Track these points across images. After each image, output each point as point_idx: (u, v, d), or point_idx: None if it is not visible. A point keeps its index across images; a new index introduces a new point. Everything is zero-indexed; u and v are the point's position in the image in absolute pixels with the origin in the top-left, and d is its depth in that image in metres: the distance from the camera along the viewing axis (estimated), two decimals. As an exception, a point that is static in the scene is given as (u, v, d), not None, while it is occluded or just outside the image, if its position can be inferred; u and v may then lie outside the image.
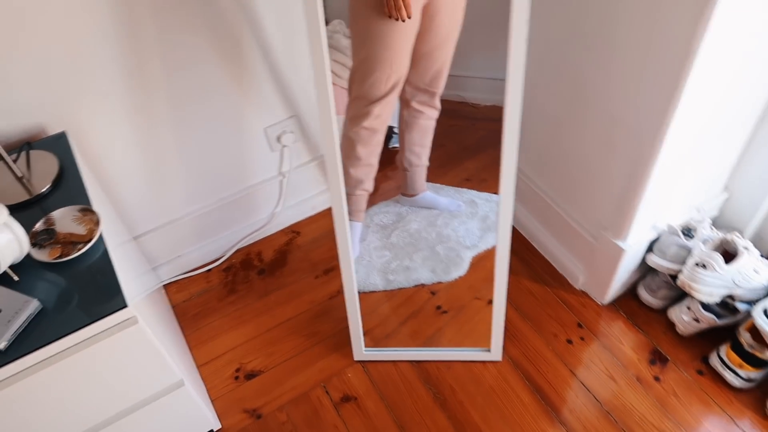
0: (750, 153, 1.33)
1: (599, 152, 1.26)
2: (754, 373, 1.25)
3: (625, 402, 1.28)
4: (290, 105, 1.47)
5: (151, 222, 1.47)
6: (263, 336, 1.42)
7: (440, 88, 1.39)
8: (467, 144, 1.70)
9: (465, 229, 1.65)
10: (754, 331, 1.24)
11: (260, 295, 1.51)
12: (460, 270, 1.55)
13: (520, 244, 1.60)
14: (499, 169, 1.06)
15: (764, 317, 1.20)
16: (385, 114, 1.30)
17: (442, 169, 1.76)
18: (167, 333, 1.17)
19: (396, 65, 1.23)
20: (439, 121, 1.56)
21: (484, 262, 1.54)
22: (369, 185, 1.44)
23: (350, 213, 1.53)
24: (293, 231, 1.67)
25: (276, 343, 1.41)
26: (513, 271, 1.53)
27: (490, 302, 1.26)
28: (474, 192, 1.67)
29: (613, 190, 1.26)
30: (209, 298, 1.51)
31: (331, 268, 1.56)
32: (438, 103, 1.46)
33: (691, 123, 1.09)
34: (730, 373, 1.27)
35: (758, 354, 1.23)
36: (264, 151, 1.51)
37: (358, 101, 1.29)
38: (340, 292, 1.50)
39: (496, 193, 1.09)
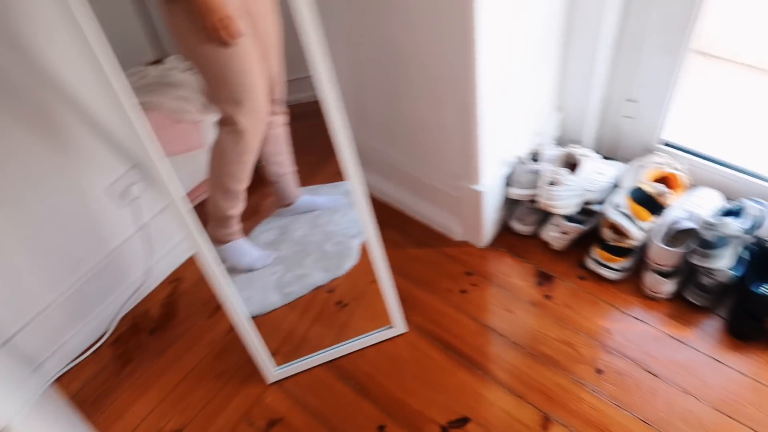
0: (569, 71, 1.43)
1: (432, 109, 1.31)
2: (624, 263, 1.36)
3: (528, 328, 1.35)
4: (127, 155, 1.41)
5: (17, 321, 1.36)
6: (172, 394, 1.37)
7: (280, 93, 1.39)
8: (330, 140, 1.72)
9: (347, 220, 1.67)
10: (610, 224, 1.35)
11: (157, 354, 1.45)
12: (351, 260, 1.57)
13: (394, 216, 1.64)
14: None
15: (615, 211, 1.31)
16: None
17: (313, 170, 1.76)
18: None
19: (255, 82, 1.23)
20: (299, 125, 1.57)
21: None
22: (242, 203, 1.43)
23: (230, 234, 1.51)
24: (174, 279, 1.61)
25: (187, 396, 1.36)
26: (395, 243, 1.56)
27: (378, 282, 1.28)
28: (347, 182, 1.70)
29: (454, 141, 1.32)
30: (105, 376, 1.43)
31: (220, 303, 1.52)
32: (283, 109, 1.46)
33: (495, 59, 1.15)
34: (605, 269, 1.38)
35: (622, 244, 1.34)
36: (113, 211, 1.44)
37: (226, 122, 1.28)
38: (238, 323, 1.47)
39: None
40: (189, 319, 1.51)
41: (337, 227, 1.65)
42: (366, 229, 1.18)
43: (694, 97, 1.64)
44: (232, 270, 1.56)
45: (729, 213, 1.28)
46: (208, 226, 1.47)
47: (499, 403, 1.25)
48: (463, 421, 1.24)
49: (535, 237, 1.51)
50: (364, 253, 1.55)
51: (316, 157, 1.72)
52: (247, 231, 1.59)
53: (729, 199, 1.37)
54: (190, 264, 1.63)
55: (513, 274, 1.45)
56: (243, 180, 1.38)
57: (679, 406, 1.20)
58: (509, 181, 1.44)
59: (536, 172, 1.39)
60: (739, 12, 1.76)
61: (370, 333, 1.37)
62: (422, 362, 1.33)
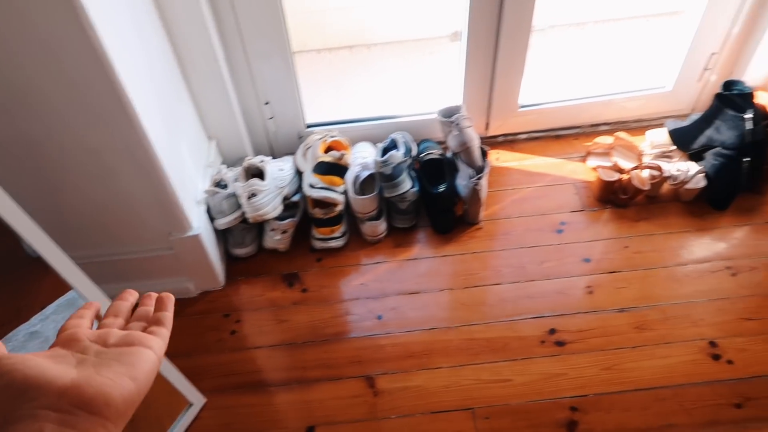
0: (203, 101, 1.49)
1: (106, 185, 1.22)
2: (341, 228, 1.53)
3: (306, 323, 1.42)
4: None
5: None
6: None
7: None
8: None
9: None
10: (315, 203, 1.50)
11: None
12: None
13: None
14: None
15: (313, 189, 1.46)
16: None
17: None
18: None
19: None
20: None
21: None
22: None
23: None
24: None
25: None
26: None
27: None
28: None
29: (142, 202, 1.26)
30: None
31: None
32: None
33: (150, 112, 1.15)
34: (331, 241, 1.53)
35: (332, 214, 1.50)
36: None
37: None
38: None
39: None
40: None
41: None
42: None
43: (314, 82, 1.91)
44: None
45: (387, 149, 1.56)
46: None
47: (326, 396, 1.30)
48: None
49: (261, 251, 1.56)
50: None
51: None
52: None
53: (378, 142, 1.66)
54: None
55: (265, 292, 1.49)
56: None
57: (444, 302, 1.44)
58: (212, 216, 1.45)
59: (232, 195, 1.44)
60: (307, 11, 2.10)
61: (177, 422, 1.24)
62: (241, 414, 1.27)
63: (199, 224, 1.35)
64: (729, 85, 1.54)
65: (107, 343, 0.47)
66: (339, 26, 2.15)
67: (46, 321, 1.40)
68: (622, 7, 2.19)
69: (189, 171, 1.38)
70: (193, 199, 1.39)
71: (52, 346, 0.46)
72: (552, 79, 1.97)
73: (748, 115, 1.42)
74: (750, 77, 1.62)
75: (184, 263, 1.41)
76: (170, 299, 0.56)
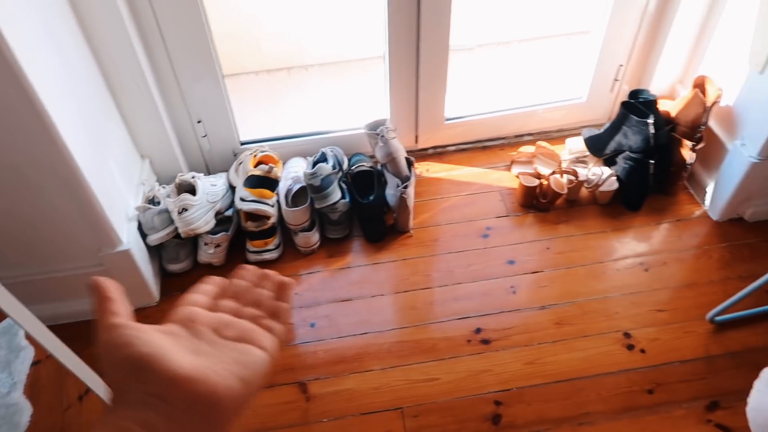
0: (134, 121, 1.52)
1: (31, 202, 1.24)
2: (275, 241, 1.57)
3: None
4: None
5: None
6: None
7: None
8: None
9: None
10: (248, 216, 1.53)
11: None
12: (26, 412, 1.35)
13: (59, 333, 1.48)
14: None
15: (244, 203, 1.50)
16: None
17: None
18: None
19: None
20: None
21: (38, 381, 1.37)
22: None
23: None
24: None
25: None
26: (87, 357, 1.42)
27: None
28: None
29: (69, 218, 1.28)
30: None
31: None
32: None
33: (73, 131, 1.18)
34: (265, 253, 1.56)
35: (265, 227, 1.53)
36: None
37: None
38: None
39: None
40: None
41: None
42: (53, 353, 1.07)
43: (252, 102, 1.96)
44: None
45: (317, 163, 1.62)
46: None
47: (259, 404, 1.32)
48: (242, 439, 1.27)
49: (197, 266, 1.59)
50: (37, 391, 1.36)
51: None
52: None
53: (309, 156, 1.71)
54: None
55: (199, 305, 1.51)
56: None
57: (375, 308, 1.49)
58: (144, 233, 1.47)
59: (164, 211, 1.47)
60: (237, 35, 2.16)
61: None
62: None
63: (129, 240, 1.37)
64: (635, 94, 1.65)
65: (223, 333, 0.40)
66: (276, 49, 2.22)
67: (-19, 349, 1.39)
68: (545, 27, 2.32)
69: (119, 188, 1.40)
70: (124, 215, 1.41)
71: (168, 320, 0.41)
72: (480, 94, 2.08)
73: (650, 120, 1.53)
74: (656, 86, 1.74)
75: (116, 280, 1.41)
76: (291, 286, 0.47)
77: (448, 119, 1.78)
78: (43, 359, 1.21)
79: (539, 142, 1.79)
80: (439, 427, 1.28)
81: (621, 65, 1.73)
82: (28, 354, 1.40)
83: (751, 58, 1.43)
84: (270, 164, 1.56)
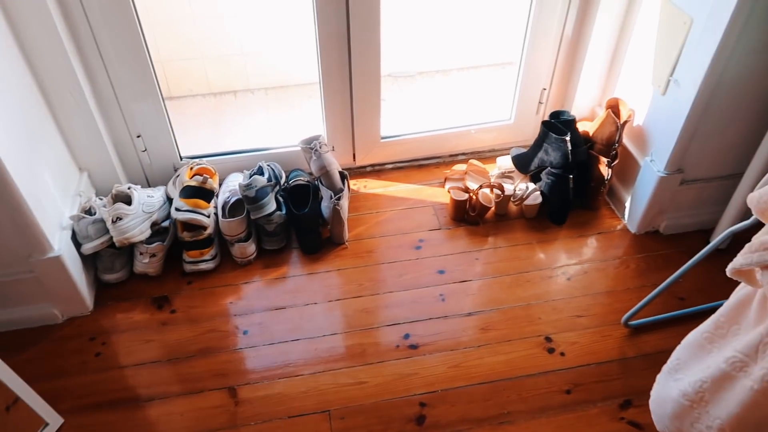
0: (72, 137, 1.55)
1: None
2: (211, 251, 1.60)
3: (172, 342, 1.46)
4: None
5: None
6: None
7: None
8: None
9: None
10: (184, 226, 1.57)
11: None
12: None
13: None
14: None
15: (179, 212, 1.53)
16: None
17: None
18: None
19: None
20: None
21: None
22: None
23: None
24: None
25: None
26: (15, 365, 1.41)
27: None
28: None
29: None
30: None
31: None
32: None
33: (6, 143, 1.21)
34: (201, 263, 1.59)
35: (201, 237, 1.57)
36: None
37: None
38: None
39: None
40: None
41: None
42: None
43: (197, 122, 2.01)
44: None
45: (253, 175, 1.67)
46: None
47: (188, 409, 1.33)
48: (167, 442, 1.27)
49: (133, 277, 1.60)
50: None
51: None
52: None
53: (246, 170, 1.76)
54: None
55: (133, 315, 1.52)
56: None
57: (308, 315, 1.53)
58: (79, 242, 1.49)
59: (100, 221, 1.49)
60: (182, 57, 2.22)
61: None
62: None
63: (61, 247, 1.39)
64: (557, 114, 1.77)
65: None
66: (223, 73, 2.29)
67: None
68: (481, 57, 2.46)
69: (53, 197, 1.42)
70: (58, 223, 1.43)
71: None
72: (418, 116, 2.18)
73: (567, 137, 1.64)
74: (577, 109, 1.86)
75: (48, 287, 1.43)
76: None
77: (383, 137, 1.86)
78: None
79: (471, 161, 1.89)
80: (364, 428, 1.32)
81: (544, 89, 1.85)
82: (-43, 369, 1.38)
83: (654, 80, 1.55)
84: (205, 175, 1.60)
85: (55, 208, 1.43)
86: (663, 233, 1.74)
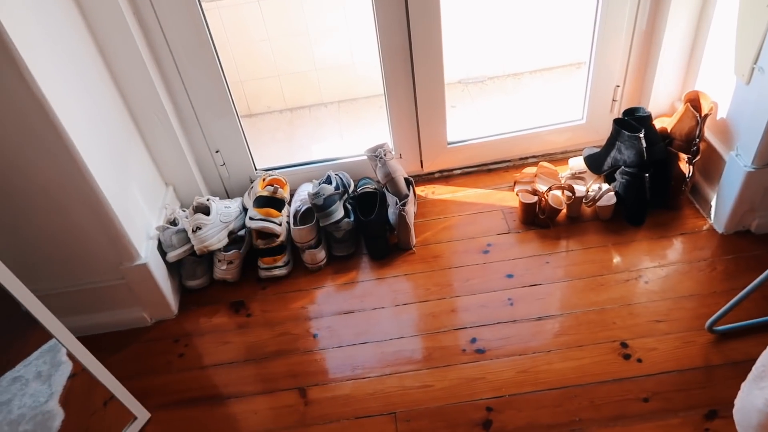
0: (159, 153, 1.69)
1: (58, 219, 1.39)
2: (284, 258, 1.67)
3: (248, 344, 1.54)
4: None
5: None
6: None
7: None
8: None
9: (29, 394, 1.54)
10: (258, 235, 1.65)
11: None
12: (58, 417, 1.47)
13: (94, 346, 1.61)
14: None
15: (253, 221, 1.61)
16: None
17: None
18: None
19: None
20: None
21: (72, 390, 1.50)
22: None
23: None
24: None
25: None
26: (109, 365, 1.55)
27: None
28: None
29: (92, 235, 1.43)
30: None
31: None
32: None
33: (98, 159, 1.34)
34: (275, 270, 1.66)
35: (274, 244, 1.65)
36: None
37: None
38: None
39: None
40: None
41: (23, 408, 1.51)
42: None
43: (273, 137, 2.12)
44: None
45: (322, 184, 1.73)
46: None
47: (261, 407, 1.40)
48: (241, 438, 1.34)
49: (213, 283, 1.71)
50: (69, 399, 1.49)
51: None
52: None
53: (316, 179, 1.83)
54: None
55: (213, 318, 1.62)
56: None
57: (375, 319, 1.56)
58: (164, 250, 1.61)
59: (182, 231, 1.60)
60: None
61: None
62: (182, 427, 1.38)
63: (147, 255, 1.51)
64: (631, 111, 1.69)
65: None
66: (297, 90, 2.39)
67: (28, 366, 1.54)
68: (552, 59, 2.40)
69: (141, 209, 1.55)
70: (145, 234, 1.55)
71: None
72: (489, 121, 2.16)
73: (641, 134, 1.57)
74: (655, 105, 1.78)
75: (137, 293, 1.56)
76: None
77: (451, 143, 1.87)
78: (78, 372, 1.34)
79: (541, 163, 1.85)
80: (430, 430, 1.32)
81: (618, 86, 1.78)
82: (67, 368, 1.53)
83: (737, 70, 1.45)
84: (276, 185, 1.68)
85: (143, 219, 1.55)
86: (755, 232, 1.61)
